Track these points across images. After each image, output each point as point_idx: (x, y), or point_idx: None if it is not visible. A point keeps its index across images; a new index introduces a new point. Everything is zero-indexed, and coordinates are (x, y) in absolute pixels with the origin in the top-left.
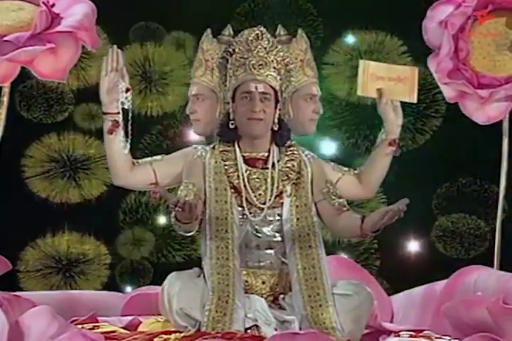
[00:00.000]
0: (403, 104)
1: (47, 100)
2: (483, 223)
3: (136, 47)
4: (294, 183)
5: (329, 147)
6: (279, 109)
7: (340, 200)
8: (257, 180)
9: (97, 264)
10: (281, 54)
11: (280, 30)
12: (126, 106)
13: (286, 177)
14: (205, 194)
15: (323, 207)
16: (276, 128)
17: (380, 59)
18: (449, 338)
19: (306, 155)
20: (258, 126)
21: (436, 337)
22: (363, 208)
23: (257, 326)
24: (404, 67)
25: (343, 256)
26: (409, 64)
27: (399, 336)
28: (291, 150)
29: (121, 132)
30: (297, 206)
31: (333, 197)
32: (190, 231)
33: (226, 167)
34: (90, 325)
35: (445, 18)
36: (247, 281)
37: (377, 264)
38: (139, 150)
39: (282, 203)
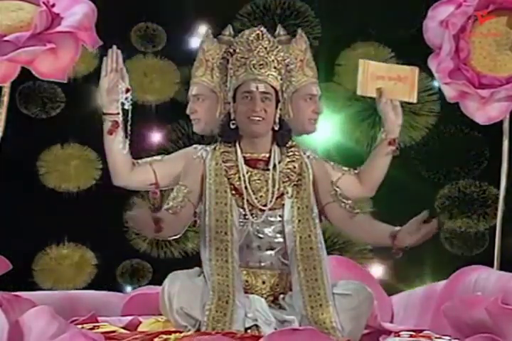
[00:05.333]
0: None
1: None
2: (483, 223)
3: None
4: (295, 185)
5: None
6: (280, 109)
7: (349, 202)
8: (258, 181)
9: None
10: (281, 54)
11: (280, 30)
12: (126, 107)
13: (287, 179)
14: (202, 195)
15: (333, 210)
16: (277, 128)
17: None
18: (449, 338)
19: (308, 156)
20: (259, 126)
21: (436, 337)
22: None
23: (257, 326)
24: (405, 67)
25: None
26: None
27: (399, 336)
28: (292, 151)
29: (121, 132)
30: (298, 208)
31: (343, 200)
32: (168, 236)
33: (226, 168)
34: (90, 325)
35: (446, 17)
36: (247, 281)
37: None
38: None
39: (283, 204)
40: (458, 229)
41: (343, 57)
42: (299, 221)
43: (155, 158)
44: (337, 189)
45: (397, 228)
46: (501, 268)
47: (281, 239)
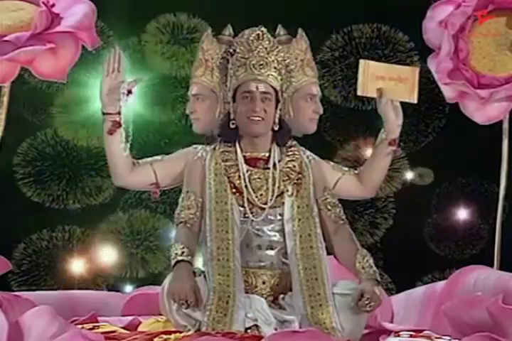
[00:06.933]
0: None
1: None
2: (483, 223)
3: None
4: (295, 183)
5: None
6: (280, 109)
7: (337, 211)
8: (258, 180)
9: None
10: (281, 54)
11: (280, 30)
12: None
13: (287, 178)
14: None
15: (323, 218)
16: (276, 128)
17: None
18: (449, 338)
19: (307, 157)
20: (259, 126)
21: (436, 337)
22: (368, 209)
23: (257, 326)
24: (405, 67)
25: None
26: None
27: (399, 336)
28: (291, 151)
29: (121, 132)
30: (298, 206)
31: (329, 208)
32: None
33: (227, 168)
34: (90, 325)
35: (445, 17)
36: (247, 281)
37: (380, 264)
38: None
39: (283, 202)
40: (456, 229)
41: None
42: (299, 220)
43: (155, 157)
44: (327, 196)
45: (361, 287)
46: (501, 268)
47: (280, 238)
